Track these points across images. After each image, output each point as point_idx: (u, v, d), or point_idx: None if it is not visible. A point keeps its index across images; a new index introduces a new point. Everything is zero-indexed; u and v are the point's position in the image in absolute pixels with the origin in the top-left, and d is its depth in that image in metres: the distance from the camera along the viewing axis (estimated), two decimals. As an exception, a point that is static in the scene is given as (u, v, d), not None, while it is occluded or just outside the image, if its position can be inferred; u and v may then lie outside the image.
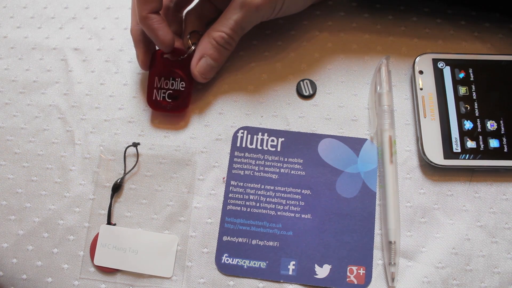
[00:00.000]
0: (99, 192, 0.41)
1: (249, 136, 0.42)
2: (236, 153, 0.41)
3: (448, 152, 0.39)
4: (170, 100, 0.41)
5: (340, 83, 0.43)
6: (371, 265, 0.38)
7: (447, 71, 0.41)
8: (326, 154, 0.41)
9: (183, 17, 0.44)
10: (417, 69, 0.41)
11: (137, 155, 0.41)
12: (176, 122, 0.42)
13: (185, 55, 0.41)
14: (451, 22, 0.44)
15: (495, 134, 0.39)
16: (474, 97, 0.40)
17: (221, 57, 0.41)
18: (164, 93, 0.42)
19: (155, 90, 0.42)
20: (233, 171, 0.41)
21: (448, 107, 0.40)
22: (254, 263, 0.38)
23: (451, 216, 0.39)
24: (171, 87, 0.42)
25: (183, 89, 0.41)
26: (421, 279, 0.37)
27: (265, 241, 0.39)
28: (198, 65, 0.40)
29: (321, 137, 0.41)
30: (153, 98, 0.42)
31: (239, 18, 0.39)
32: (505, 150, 0.39)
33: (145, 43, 0.41)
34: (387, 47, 0.44)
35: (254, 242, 0.39)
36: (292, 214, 0.39)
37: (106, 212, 0.40)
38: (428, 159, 0.39)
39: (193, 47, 0.41)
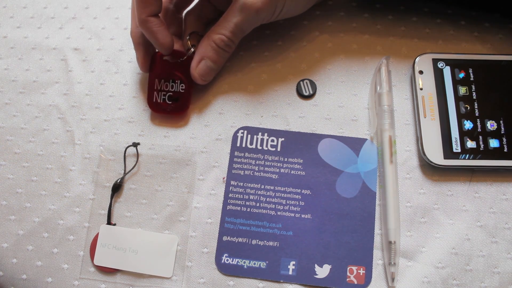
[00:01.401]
0: (99, 192, 0.41)
1: (249, 136, 0.42)
2: (236, 153, 0.41)
3: (448, 152, 0.39)
4: (170, 102, 0.42)
5: (340, 83, 0.43)
6: (371, 265, 0.38)
7: (447, 71, 0.41)
8: (326, 154, 0.41)
9: (183, 18, 0.44)
10: (417, 69, 0.41)
11: (137, 155, 0.41)
12: (176, 122, 0.42)
13: (185, 57, 0.41)
14: (451, 22, 0.44)
15: (495, 134, 0.39)
16: (474, 97, 0.40)
17: (220, 60, 0.41)
18: (164, 95, 0.42)
19: (155, 92, 0.42)
20: (233, 171, 0.41)
21: (448, 107, 0.40)
22: (254, 263, 0.38)
23: (451, 216, 0.39)
24: (171, 89, 0.42)
25: (183, 91, 0.42)
26: (421, 279, 0.37)
27: (265, 241, 0.39)
28: (198, 67, 0.40)
29: (321, 137, 0.41)
30: (154, 100, 0.42)
31: (239, 21, 0.39)
32: (505, 150, 0.39)
33: (144, 45, 0.41)
34: (387, 47, 0.44)
35: (254, 242, 0.39)
36: (292, 214, 0.39)
37: (106, 212, 0.40)
38: (428, 159, 0.39)
39: (192, 49, 0.41)
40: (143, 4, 0.37)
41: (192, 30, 0.43)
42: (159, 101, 0.42)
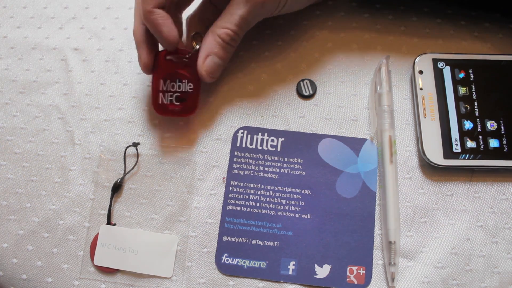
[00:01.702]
0: (99, 192, 0.41)
1: (249, 136, 0.42)
2: (236, 153, 0.41)
3: (448, 152, 0.39)
4: (178, 103, 0.40)
5: (340, 83, 0.43)
6: (371, 265, 0.38)
7: (447, 71, 0.41)
8: (326, 154, 0.41)
9: (185, 21, 0.44)
10: (417, 69, 0.41)
11: (137, 155, 0.41)
12: (176, 122, 0.42)
13: (190, 54, 0.40)
14: (451, 22, 0.44)
15: (495, 134, 0.39)
16: (474, 97, 0.40)
17: (227, 55, 0.40)
18: (171, 96, 0.40)
19: (160, 94, 0.40)
20: (233, 171, 0.41)
21: (448, 107, 0.40)
22: (254, 263, 0.38)
23: (451, 216, 0.39)
24: (178, 89, 0.40)
25: (191, 90, 0.40)
26: (421, 279, 0.37)
27: (265, 241, 0.39)
28: (205, 64, 0.39)
29: (321, 137, 0.41)
30: (160, 102, 0.40)
31: (244, 13, 0.38)
32: (505, 150, 0.39)
33: (148, 44, 0.40)
34: (387, 47, 0.44)
35: (254, 242, 0.39)
36: (292, 214, 0.39)
37: (106, 212, 0.40)
38: (428, 159, 0.39)
39: (197, 46, 0.40)
40: None
41: (195, 31, 0.42)
42: (165, 102, 0.40)
